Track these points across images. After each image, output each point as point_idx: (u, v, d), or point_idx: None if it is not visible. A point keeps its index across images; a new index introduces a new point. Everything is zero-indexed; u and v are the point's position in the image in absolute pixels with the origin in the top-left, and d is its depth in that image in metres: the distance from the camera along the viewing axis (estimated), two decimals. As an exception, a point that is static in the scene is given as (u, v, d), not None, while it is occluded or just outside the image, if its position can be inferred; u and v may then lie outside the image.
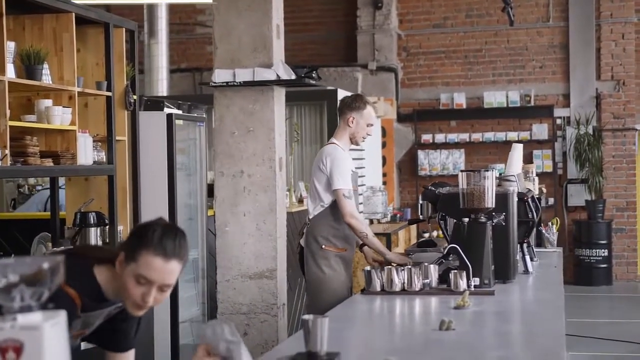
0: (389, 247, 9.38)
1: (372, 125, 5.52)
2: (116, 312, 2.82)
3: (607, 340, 8.83)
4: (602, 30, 12.92)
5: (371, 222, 10.81)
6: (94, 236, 5.53)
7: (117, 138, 5.91)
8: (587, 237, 12.59)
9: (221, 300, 5.76)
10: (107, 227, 5.71)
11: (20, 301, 1.73)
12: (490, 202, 4.42)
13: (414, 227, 11.48)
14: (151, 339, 6.05)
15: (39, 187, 8.80)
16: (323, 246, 5.36)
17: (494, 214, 4.50)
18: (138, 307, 2.64)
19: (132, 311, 2.67)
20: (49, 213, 5.91)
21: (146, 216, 6.31)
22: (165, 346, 6.43)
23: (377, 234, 9.40)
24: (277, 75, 5.84)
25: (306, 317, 2.70)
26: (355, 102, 5.48)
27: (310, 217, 5.45)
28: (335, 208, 5.38)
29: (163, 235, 2.59)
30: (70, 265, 2.72)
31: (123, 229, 6.00)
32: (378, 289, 4.32)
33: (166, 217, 6.45)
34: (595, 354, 8.34)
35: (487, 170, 4.43)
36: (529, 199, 5.09)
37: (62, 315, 1.79)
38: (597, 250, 12.53)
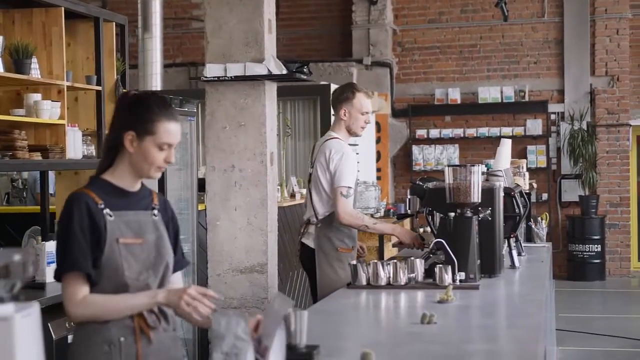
0: (381, 242, 9.39)
1: (367, 113, 5.33)
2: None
3: (599, 335, 8.86)
4: (596, 26, 12.94)
5: (364, 217, 10.82)
6: (84, 230, 5.53)
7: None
8: (581, 232, 12.62)
9: (212, 294, 5.78)
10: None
11: (-9, 293, 1.75)
12: (476, 196, 4.43)
13: (408, 221, 11.50)
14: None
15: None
16: (338, 248, 5.24)
17: (480, 208, 4.52)
18: (159, 170, 2.94)
19: (152, 175, 2.94)
20: (39, 207, 5.91)
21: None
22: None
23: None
24: (269, 70, 5.85)
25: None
26: (344, 94, 5.33)
27: (320, 217, 5.27)
28: None
29: (162, 104, 2.94)
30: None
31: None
32: (364, 283, 4.33)
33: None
34: (587, 348, 8.37)
35: (474, 165, 4.45)
36: (517, 194, 5.10)
37: (34, 307, 1.80)
38: (591, 245, 12.56)
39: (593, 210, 12.62)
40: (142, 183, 3.03)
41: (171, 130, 2.91)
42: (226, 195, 5.85)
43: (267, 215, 5.94)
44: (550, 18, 13.09)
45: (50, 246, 4.90)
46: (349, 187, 5.13)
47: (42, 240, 5.45)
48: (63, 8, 5.39)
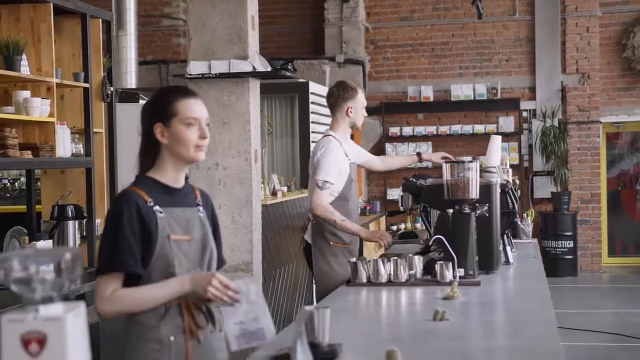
0: (361, 240, 9.34)
1: (365, 105, 5.56)
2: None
3: (576, 330, 8.93)
4: (567, 24, 13.04)
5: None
6: (72, 229, 5.46)
7: (95, 130, 5.85)
8: (553, 228, 12.72)
9: (197, 293, 5.72)
10: (85, 220, 5.64)
11: (42, 292, 1.71)
12: (474, 193, 4.43)
13: (382, 219, 11.53)
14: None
15: (5, 181, 8.68)
16: (331, 243, 5.27)
17: (477, 205, 4.52)
18: (199, 149, 2.91)
19: (196, 157, 2.91)
20: (24, 206, 5.81)
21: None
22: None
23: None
24: (254, 67, 5.81)
25: (308, 308, 2.70)
26: (347, 92, 5.43)
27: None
28: (338, 203, 5.27)
29: (176, 88, 2.99)
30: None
31: (101, 222, 5.93)
32: (364, 280, 4.31)
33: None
34: (567, 344, 8.42)
35: (472, 161, 4.45)
36: (510, 190, 5.12)
37: (82, 306, 1.76)
38: (563, 241, 12.66)
39: (565, 206, 12.72)
40: (184, 179, 3.02)
41: (192, 105, 2.91)
42: (210, 193, 5.74)
43: (252, 213, 5.92)
44: (522, 16, 13.17)
45: (42, 246, 4.82)
46: (325, 180, 5.19)
47: (29, 241, 5.36)
48: (51, 4, 5.30)
